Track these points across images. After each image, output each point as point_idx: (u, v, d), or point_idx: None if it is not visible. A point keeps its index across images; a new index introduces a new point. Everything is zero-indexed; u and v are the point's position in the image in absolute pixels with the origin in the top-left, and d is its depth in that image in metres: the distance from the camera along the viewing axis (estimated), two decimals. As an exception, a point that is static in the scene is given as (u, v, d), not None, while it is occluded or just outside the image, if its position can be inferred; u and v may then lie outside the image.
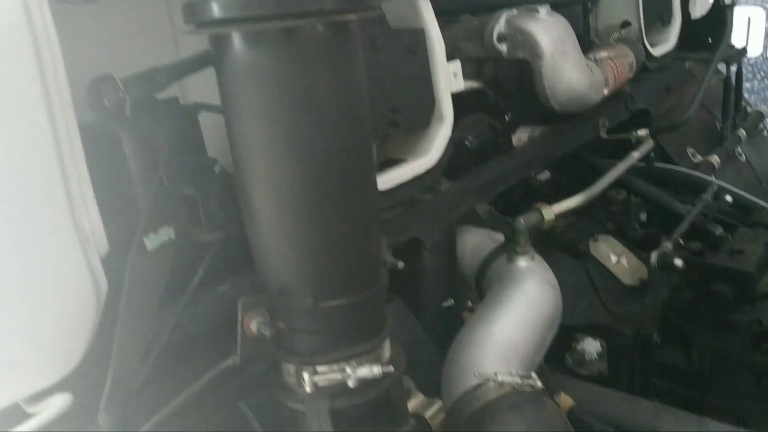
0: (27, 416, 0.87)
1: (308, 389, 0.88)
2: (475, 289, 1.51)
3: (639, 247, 2.02)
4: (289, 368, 0.92)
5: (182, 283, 1.00)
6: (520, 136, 1.87)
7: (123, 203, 0.96)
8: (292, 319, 0.89)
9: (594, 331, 1.74)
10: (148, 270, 0.93)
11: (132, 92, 0.85)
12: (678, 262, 1.67)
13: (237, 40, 0.79)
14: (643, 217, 2.28)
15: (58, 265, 0.87)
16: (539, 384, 1.11)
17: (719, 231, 1.95)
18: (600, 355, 1.72)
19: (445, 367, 1.19)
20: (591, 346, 1.73)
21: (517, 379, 1.08)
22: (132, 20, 1.14)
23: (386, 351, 0.96)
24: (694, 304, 1.69)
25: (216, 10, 0.76)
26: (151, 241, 0.93)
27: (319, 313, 0.87)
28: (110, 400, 0.89)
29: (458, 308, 1.50)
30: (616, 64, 1.92)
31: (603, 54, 1.92)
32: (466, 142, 1.67)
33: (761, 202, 2.12)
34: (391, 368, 0.91)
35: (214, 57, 0.83)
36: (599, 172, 1.86)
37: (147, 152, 0.92)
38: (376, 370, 0.89)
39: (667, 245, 1.71)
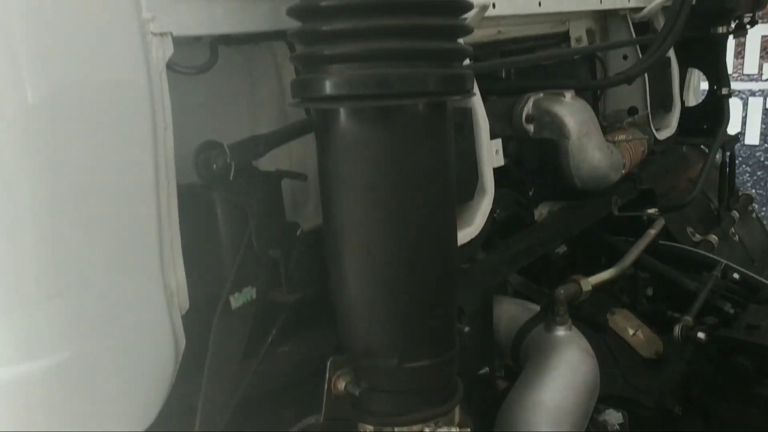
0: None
1: (389, 448, 0.91)
2: (510, 357, 1.55)
3: (647, 321, 2.08)
4: (367, 428, 0.95)
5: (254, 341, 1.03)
6: (542, 211, 1.96)
7: (203, 262, 1.00)
8: (375, 380, 0.93)
9: (616, 403, 1.77)
10: (232, 327, 0.96)
11: (236, 158, 0.91)
12: (701, 335, 1.74)
13: (343, 114, 0.86)
14: (650, 292, 2.35)
15: (145, 319, 0.90)
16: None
17: (728, 307, 2.03)
18: (622, 426, 1.75)
19: (496, 432, 1.22)
20: (613, 418, 1.76)
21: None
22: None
23: (457, 414, 0.99)
24: (715, 378, 1.74)
25: (329, 88, 0.83)
26: (236, 300, 0.97)
27: (403, 374, 0.91)
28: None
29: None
30: (632, 146, 2.03)
31: (621, 137, 2.03)
32: (494, 215, 1.74)
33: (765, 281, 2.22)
34: (466, 431, 0.95)
35: (318, 128, 0.90)
36: (612, 248, 1.93)
37: (238, 216, 0.97)
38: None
39: (688, 319, 1.78)
